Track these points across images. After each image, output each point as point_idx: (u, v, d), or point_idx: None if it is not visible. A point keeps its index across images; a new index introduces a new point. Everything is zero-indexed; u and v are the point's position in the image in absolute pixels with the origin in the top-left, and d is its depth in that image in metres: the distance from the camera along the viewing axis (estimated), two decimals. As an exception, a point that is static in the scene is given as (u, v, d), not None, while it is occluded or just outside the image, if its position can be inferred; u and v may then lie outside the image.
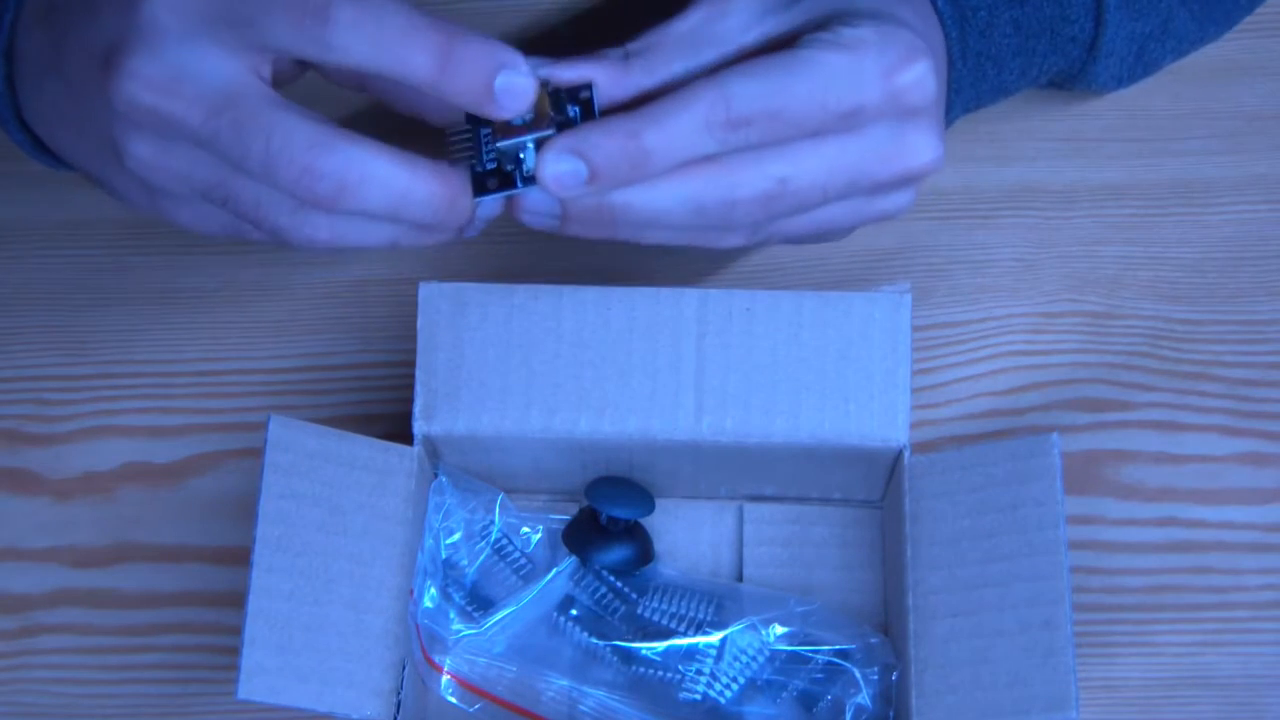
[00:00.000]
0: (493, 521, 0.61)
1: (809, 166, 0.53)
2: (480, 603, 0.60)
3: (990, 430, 0.65)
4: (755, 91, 0.51)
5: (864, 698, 0.58)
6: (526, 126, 0.51)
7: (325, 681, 0.52)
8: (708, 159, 0.52)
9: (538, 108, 0.51)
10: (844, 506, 0.63)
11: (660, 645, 0.59)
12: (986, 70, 0.60)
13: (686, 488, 0.62)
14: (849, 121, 0.52)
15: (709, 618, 0.60)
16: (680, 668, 0.59)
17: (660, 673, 0.59)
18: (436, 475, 0.60)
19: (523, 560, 0.61)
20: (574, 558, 0.60)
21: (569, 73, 0.52)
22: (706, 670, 0.59)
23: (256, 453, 0.54)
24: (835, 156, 0.53)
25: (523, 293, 0.57)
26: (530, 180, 0.52)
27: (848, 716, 0.58)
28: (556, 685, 0.60)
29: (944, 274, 0.67)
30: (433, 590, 0.58)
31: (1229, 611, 0.63)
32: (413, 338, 0.57)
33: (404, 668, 0.55)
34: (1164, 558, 0.63)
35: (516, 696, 0.60)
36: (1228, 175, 0.69)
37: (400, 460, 0.56)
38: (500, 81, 0.49)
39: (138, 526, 0.65)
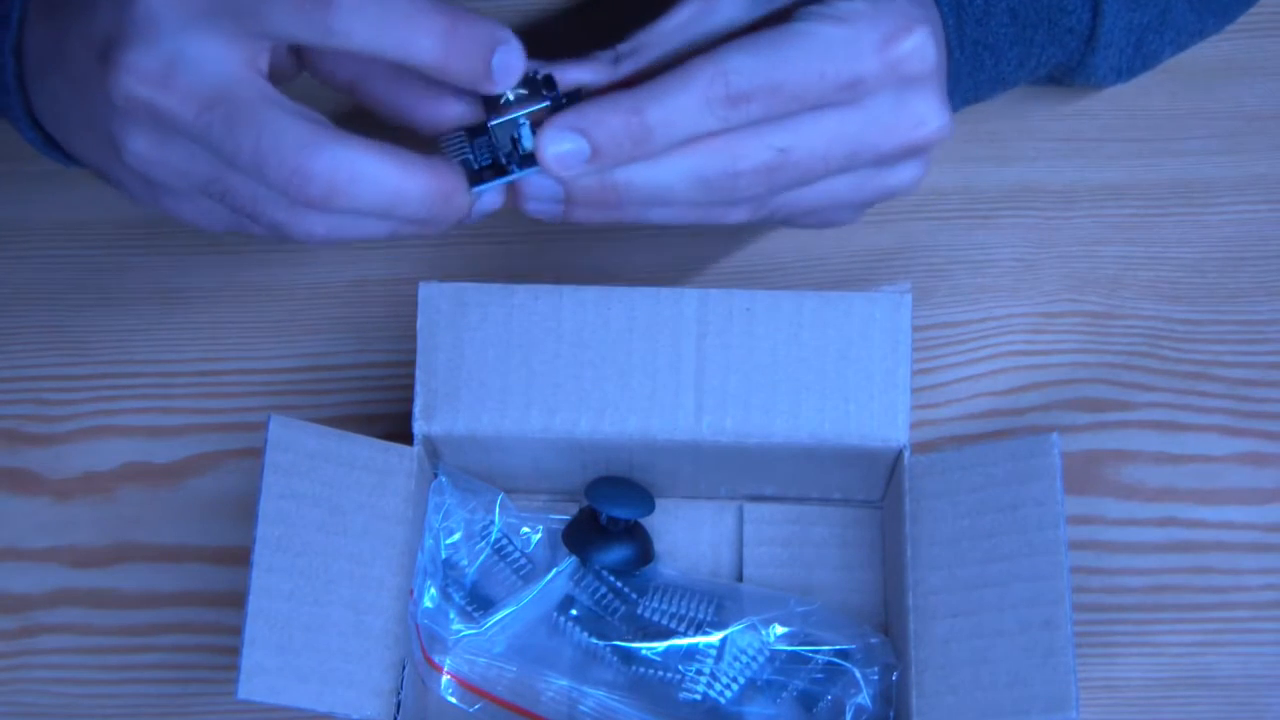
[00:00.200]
0: (493, 521, 0.61)
1: (810, 137, 0.53)
2: (480, 603, 0.60)
3: (990, 430, 0.65)
4: (753, 66, 0.51)
5: (864, 698, 0.58)
6: (518, 102, 0.51)
7: (325, 681, 0.52)
8: (709, 134, 0.52)
9: (529, 86, 0.51)
10: (844, 506, 0.63)
11: (660, 645, 0.59)
12: (984, 60, 0.60)
13: (686, 488, 0.62)
14: (849, 93, 0.52)
15: (709, 618, 0.60)
16: (680, 668, 0.59)
17: (660, 673, 0.59)
18: (436, 475, 0.60)
19: (523, 560, 0.61)
20: (574, 558, 0.60)
21: (560, 78, 0.52)
22: (706, 670, 0.59)
23: (256, 453, 0.54)
24: (836, 127, 0.53)
25: (523, 293, 0.57)
26: (528, 161, 0.52)
27: (848, 716, 0.58)
28: (556, 685, 0.60)
29: (944, 274, 0.67)
30: (433, 590, 0.58)
31: (1229, 611, 0.63)
32: (412, 338, 0.57)
33: (404, 668, 0.55)
34: (1164, 558, 0.63)
35: (516, 696, 0.60)
36: (1228, 175, 0.69)
37: (400, 460, 0.56)
38: (497, 59, 0.49)
39: (138, 526, 0.65)
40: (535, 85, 0.52)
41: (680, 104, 0.51)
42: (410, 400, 0.57)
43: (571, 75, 0.52)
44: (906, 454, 0.56)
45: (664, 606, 0.60)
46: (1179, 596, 0.63)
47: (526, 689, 0.60)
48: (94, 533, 0.65)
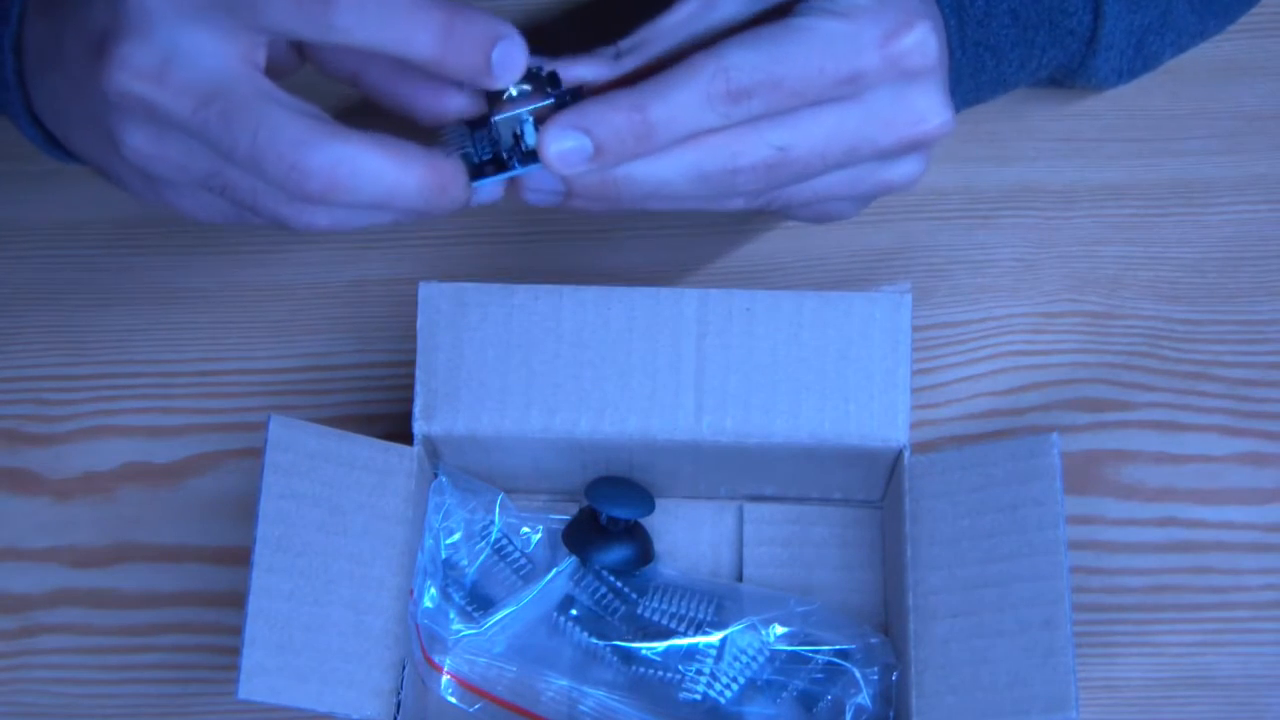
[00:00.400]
0: (493, 521, 0.61)
1: (809, 133, 0.53)
2: (480, 603, 0.60)
3: (990, 430, 0.65)
4: (754, 61, 0.51)
5: (864, 698, 0.58)
6: (522, 98, 0.51)
7: (325, 681, 0.52)
8: (710, 130, 0.52)
9: (533, 82, 0.51)
10: (844, 506, 0.63)
11: (660, 645, 0.59)
12: (985, 61, 0.60)
13: (686, 488, 0.62)
14: (849, 88, 0.52)
15: (709, 618, 0.60)
16: (680, 668, 0.59)
17: (660, 673, 0.59)
18: (436, 475, 0.60)
19: (523, 560, 0.61)
20: (574, 558, 0.60)
21: (562, 74, 0.52)
22: (706, 670, 0.59)
23: (256, 453, 0.54)
24: (836, 123, 0.53)
25: (523, 293, 0.57)
26: (530, 158, 0.52)
27: (848, 716, 0.58)
28: (556, 685, 0.60)
29: (944, 274, 0.67)
30: (433, 590, 0.58)
31: (1229, 611, 0.63)
32: (412, 338, 0.57)
33: (404, 668, 0.55)
34: (1164, 558, 0.63)
35: (516, 696, 0.60)
36: (1228, 175, 0.69)
37: (400, 460, 0.56)
38: (497, 54, 0.49)
39: (138, 526, 0.65)
40: (539, 81, 0.52)
41: (681, 100, 0.51)
42: (410, 400, 0.57)
43: (573, 71, 0.52)
44: (906, 454, 0.56)
45: (664, 606, 0.60)
46: (1179, 596, 0.63)
47: (526, 689, 0.60)
48: (94, 533, 0.65)
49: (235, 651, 0.52)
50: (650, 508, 0.61)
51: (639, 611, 0.60)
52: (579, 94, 0.52)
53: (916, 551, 0.55)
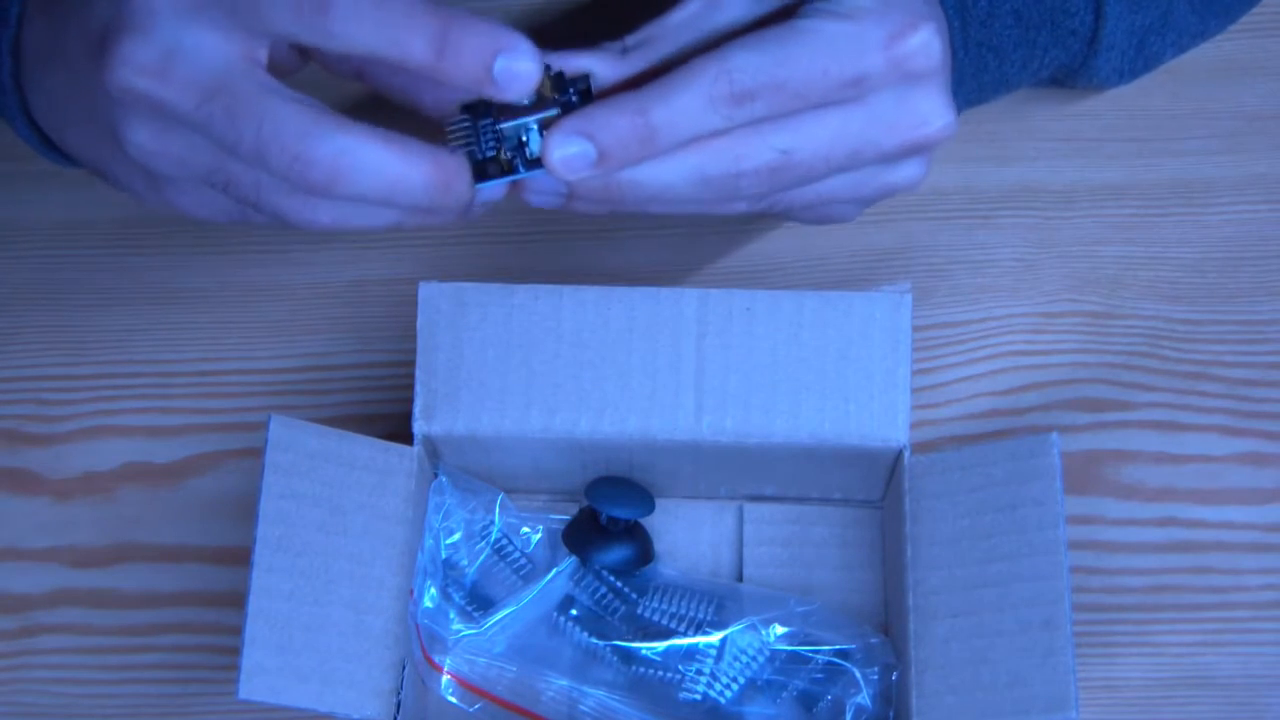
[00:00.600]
0: (493, 521, 0.61)
1: (813, 137, 0.53)
2: (480, 603, 0.60)
3: (990, 430, 0.65)
4: (757, 64, 0.51)
5: (864, 698, 0.58)
6: (529, 108, 0.51)
7: (325, 681, 0.52)
8: (713, 133, 0.52)
9: (539, 90, 0.51)
10: (844, 506, 0.63)
11: (660, 645, 0.59)
12: (988, 61, 0.60)
13: (686, 488, 0.62)
14: (853, 90, 0.52)
15: (709, 618, 0.60)
16: (680, 668, 0.59)
17: (660, 673, 0.59)
18: (436, 475, 0.60)
19: (523, 560, 0.61)
20: (574, 558, 0.60)
21: (568, 64, 0.52)
22: (706, 670, 0.59)
23: (256, 453, 0.54)
24: (839, 126, 0.53)
25: (523, 293, 0.57)
26: (535, 164, 0.52)
27: (848, 716, 0.58)
28: (556, 685, 0.60)
29: (944, 274, 0.67)
30: (433, 590, 0.58)
31: (1229, 611, 0.63)
32: (412, 338, 0.57)
33: (404, 668, 0.55)
34: (1164, 558, 0.63)
35: (516, 696, 0.60)
36: (1228, 175, 0.69)
37: (400, 460, 0.56)
38: (499, 66, 0.49)
39: (138, 526, 0.65)
40: (560, 82, 0.52)
41: (684, 103, 0.51)
42: (410, 400, 0.57)
43: (580, 63, 0.52)
44: (906, 454, 0.56)
45: (664, 606, 0.60)
46: (1179, 596, 0.63)
47: (526, 689, 0.60)
48: (94, 533, 0.65)
49: (235, 651, 0.52)
50: (650, 508, 0.61)
51: (639, 611, 0.60)
52: (588, 96, 0.52)
53: (916, 551, 0.55)
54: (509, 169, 0.52)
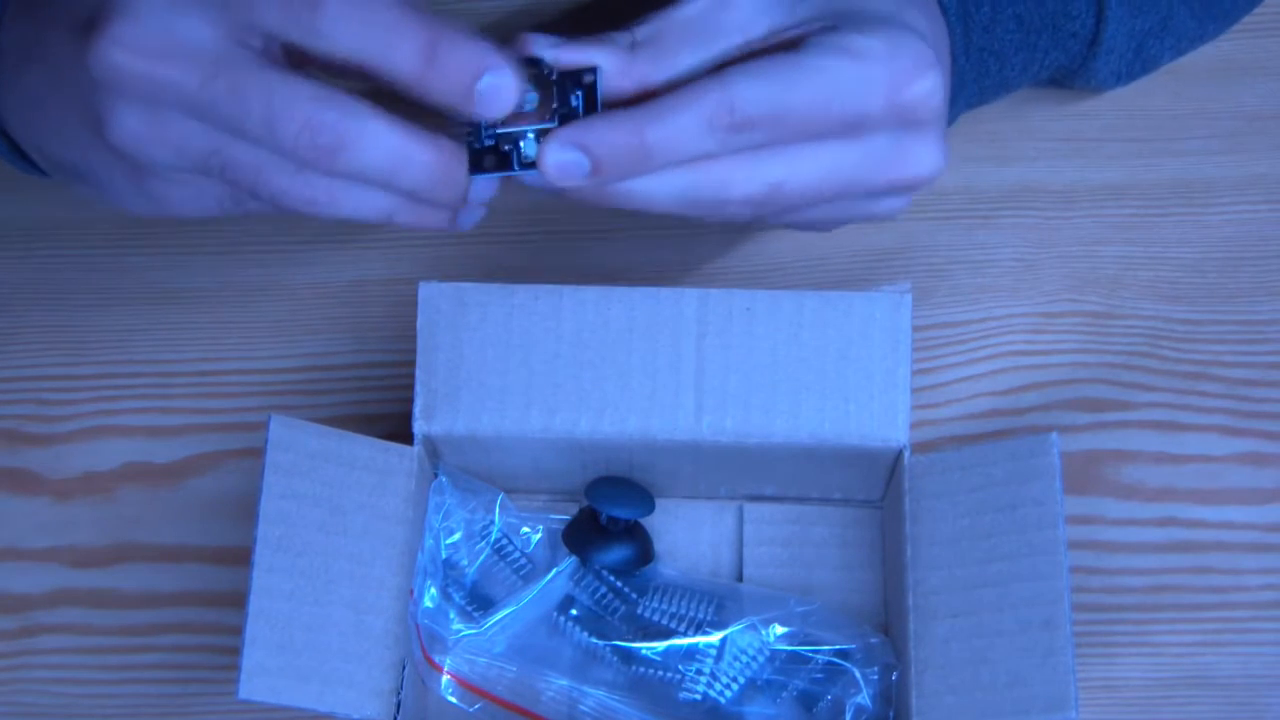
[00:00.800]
0: (493, 521, 0.61)
1: (804, 171, 0.53)
2: (480, 603, 0.60)
3: (990, 430, 0.65)
4: (760, 95, 0.51)
5: (864, 698, 0.58)
6: (529, 115, 0.51)
7: (326, 681, 0.52)
8: (706, 155, 0.52)
9: (540, 95, 0.51)
10: (844, 506, 0.63)
11: (660, 645, 0.59)
12: (989, 65, 0.60)
13: (686, 488, 0.62)
14: (851, 129, 0.52)
15: (709, 618, 0.60)
16: (680, 668, 0.59)
17: (660, 673, 0.59)
18: (436, 475, 0.60)
19: (523, 560, 0.61)
20: (574, 558, 0.60)
21: (574, 55, 0.52)
22: (706, 670, 0.59)
23: (256, 453, 0.54)
24: (831, 163, 0.53)
25: (523, 293, 0.57)
26: (529, 166, 0.52)
27: (848, 716, 0.58)
28: (556, 685, 0.60)
29: (944, 274, 0.67)
30: (433, 590, 0.58)
31: (1229, 611, 0.63)
32: (412, 338, 0.57)
33: (404, 668, 0.55)
34: (1164, 558, 0.63)
35: (516, 696, 0.60)
36: (1228, 175, 0.69)
37: (400, 460, 0.56)
38: (483, 84, 0.49)
39: (138, 526, 0.65)
40: (547, 85, 0.51)
41: (682, 125, 0.51)
42: (410, 400, 0.57)
43: (587, 55, 0.52)
44: (906, 454, 0.56)
45: (664, 606, 0.60)
46: (1179, 596, 0.63)
47: (526, 689, 0.60)
48: (94, 533, 0.65)
49: (235, 651, 0.52)
50: (650, 508, 0.61)
51: (639, 611, 0.60)
52: (592, 91, 0.52)
53: (916, 551, 0.55)
54: (505, 163, 0.52)
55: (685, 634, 0.59)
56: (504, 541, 0.61)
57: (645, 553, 0.61)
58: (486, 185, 0.53)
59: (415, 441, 0.56)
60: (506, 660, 0.60)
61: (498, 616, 0.59)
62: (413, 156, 0.50)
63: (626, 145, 0.50)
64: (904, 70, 0.52)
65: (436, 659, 0.59)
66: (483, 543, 0.61)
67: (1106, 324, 0.66)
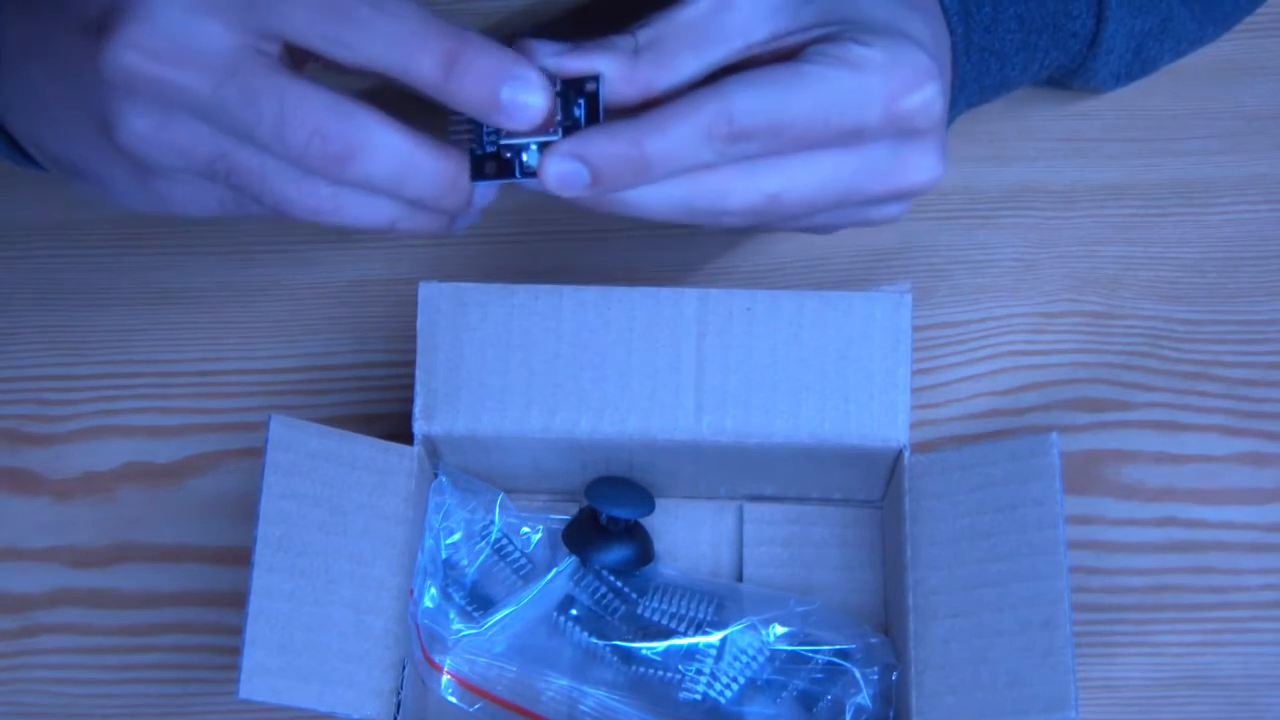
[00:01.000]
0: (493, 521, 0.61)
1: (802, 182, 0.53)
2: (480, 603, 0.60)
3: (990, 430, 0.65)
4: (758, 105, 0.51)
5: (864, 698, 0.58)
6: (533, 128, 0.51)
7: (326, 681, 0.52)
8: (704, 165, 0.52)
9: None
10: (844, 506, 0.63)
11: (660, 645, 0.59)
12: (990, 65, 0.60)
13: (686, 488, 0.62)
14: (848, 139, 0.52)
15: (709, 618, 0.60)
16: (680, 668, 0.59)
17: (660, 673, 0.59)
18: (436, 475, 0.60)
19: (523, 560, 0.61)
20: (574, 558, 0.60)
21: (578, 63, 0.52)
22: (706, 670, 0.59)
23: (256, 453, 0.54)
24: (830, 173, 0.53)
25: (523, 293, 0.57)
26: (530, 174, 0.52)
27: (848, 716, 0.58)
28: (556, 685, 0.60)
29: (944, 274, 0.67)
30: (433, 590, 0.58)
31: (1229, 611, 0.63)
32: (412, 338, 0.57)
33: (404, 668, 0.55)
34: (1164, 558, 0.63)
35: (516, 696, 0.60)
36: (1228, 175, 0.69)
37: (400, 460, 0.56)
38: (506, 94, 0.49)
39: (138, 526, 0.65)
40: (565, 97, 0.51)
41: (681, 137, 0.51)
42: (410, 400, 0.57)
43: (591, 62, 0.52)
44: (906, 454, 0.56)
45: (664, 606, 0.60)
46: (1179, 596, 0.63)
47: (526, 689, 0.60)
48: (94, 533, 0.65)
49: (235, 651, 0.52)
50: (650, 508, 0.61)
51: (639, 611, 0.60)
52: (595, 100, 0.52)
53: (916, 551, 0.55)
54: (507, 170, 0.52)
55: (685, 634, 0.59)
56: (504, 541, 0.61)
57: (645, 553, 0.61)
58: (486, 191, 0.53)
59: (415, 441, 0.56)
60: (506, 660, 0.60)
61: (498, 616, 0.59)
62: (420, 165, 0.50)
63: (626, 157, 0.51)
64: (902, 80, 0.52)
65: (436, 659, 0.59)
66: (483, 543, 0.61)
67: (1106, 324, 0.66)
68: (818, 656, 0.59)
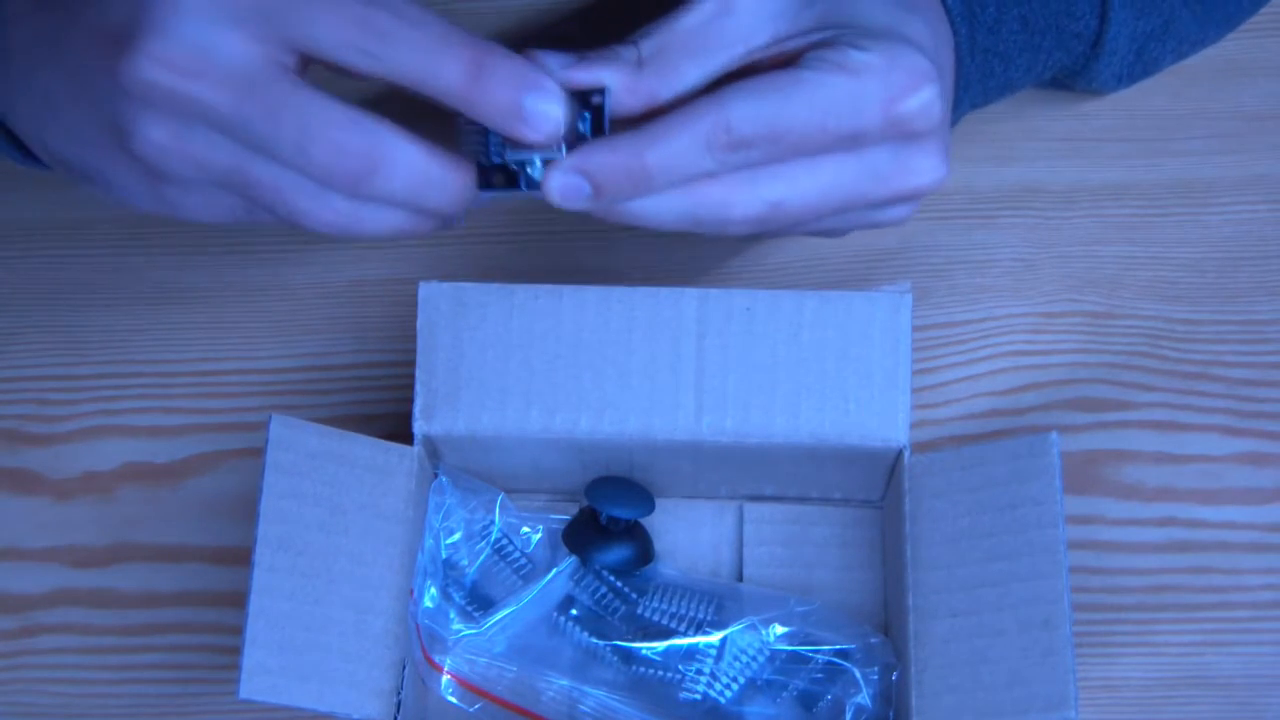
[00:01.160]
0: (493, 521, 0.61)
1: (804, 188, 0.53)
2: (480, 603, 0.60)
3: (990, 430, 0.65)
4: (756, 113, 0.51)
5: (864, 698, 0.58)
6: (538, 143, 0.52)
7: (326, 681, 0.52)
8: (706, 174, 0.52)
9: None
10: (844, 506, 0.63)
11: (660, 645, 0.59)
12: (994, 67, 0.60)
13: (686, 488, 0.62)
14: (849, 144, 0.52)
15: (709, 618, 0.60)
16: (680, 668, 0.59)
17: (660, 673, 0.59)
18: (436, 475, 0.60)
19: (523, 560, 0.61)
20: (574, 558, 0.60)
21: (584, 75, 0.52)
22: (706, 670, 0.59)
23: (256, 453, 0.54)
24: (831, 178, 0.53)
25: (523, 293, 0.57)
26: (535, 187, 0.52)
27: (848, 716, 0.58)
28: (556, 685, 0.60)
29: (944, 274, 0.67)
30: (433, 590, 0.58)
31: (1229, 611, 0.63)
32: (412, 337, 0.57)
33: (404, 667, 0.55)
34: (1164, 558, 0.63)
35: (516, 696, 0.60)
36: (1228, 175, 0.69)
37: (400, 460, 0.56)
38: (529, 103, 0.49)
39: (138, 526, 0.65)
40: (570, 109, 0.52)
41: (681, 147, 0.51)
42: (410, 400, 0.57)
43: (595, 74, 0.52)
44: (906, 454, 0.56)
45: (664, 606, 0.60)
46: (1179, 596, 0.63)
47: (526, 689, 0.60)
48: (94, 533, 0.65)
49: (235, 651, 0.52)
50: (650, 508, 0.61)
51: (639, 611, 0.60)
52: (600, 113, 0.52)
53: (916, 551, 0.55)
54: (512, 182, 0.52)
55: (685, 634, 0.59)
56: (504, 541, 0.61)
57: (645, 553, 0.61)
58: (490, 194, 0.53)
59: (415, 441, 0.56)
60: (506, 660, 0.60)
61: (498, 616, 0.59)
62: (436, 179, 0.51)
63: (627, 169, 0.51)
64: (900, 84, 0.52)
65: (436, 659, 0.59)
66: (483, 543, 0.61)
67: (1106, 324, 0.66)
68: (818, 656, 0.59)
